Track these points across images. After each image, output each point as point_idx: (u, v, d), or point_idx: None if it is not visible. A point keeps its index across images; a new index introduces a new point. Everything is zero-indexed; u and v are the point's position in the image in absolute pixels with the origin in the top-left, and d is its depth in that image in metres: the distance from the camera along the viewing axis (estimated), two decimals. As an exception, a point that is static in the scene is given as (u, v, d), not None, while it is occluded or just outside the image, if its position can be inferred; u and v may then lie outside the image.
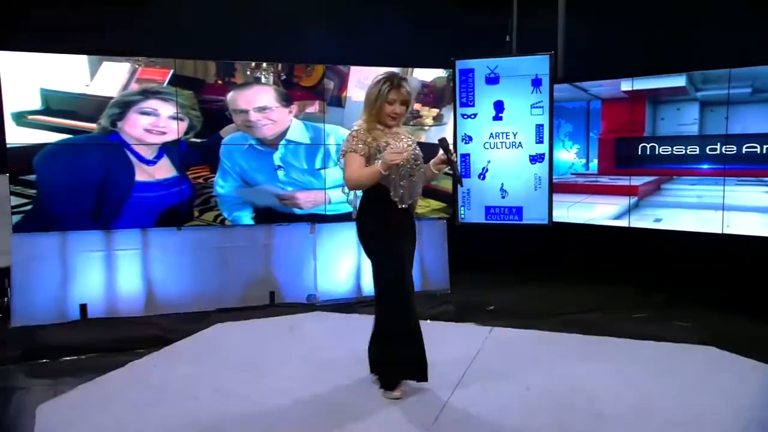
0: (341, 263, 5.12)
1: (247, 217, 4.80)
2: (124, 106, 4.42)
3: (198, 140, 4.61)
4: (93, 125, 4.37)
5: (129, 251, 4.61)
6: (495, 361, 3.52)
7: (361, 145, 2.85)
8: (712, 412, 2.83)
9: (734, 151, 4.28)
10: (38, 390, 3.21)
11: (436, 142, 2.96)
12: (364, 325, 4.22)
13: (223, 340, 3.96)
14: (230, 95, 4.66)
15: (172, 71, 4.51)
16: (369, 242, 3.02)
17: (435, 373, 3.08)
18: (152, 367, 3.49)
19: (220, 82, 4.64)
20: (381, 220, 2.94)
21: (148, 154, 4.51)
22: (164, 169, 4.56)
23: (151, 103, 4.48)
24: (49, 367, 3.66)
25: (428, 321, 4.27)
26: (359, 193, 3.06)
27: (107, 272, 4.56)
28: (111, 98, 4.38)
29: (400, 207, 2.93)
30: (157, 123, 4.50)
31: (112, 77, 4.38)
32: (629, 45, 4.64)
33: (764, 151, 4.16)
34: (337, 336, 3.99)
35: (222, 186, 4.71)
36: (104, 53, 4.36)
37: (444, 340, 3.83)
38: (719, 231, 4.35)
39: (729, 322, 4.16)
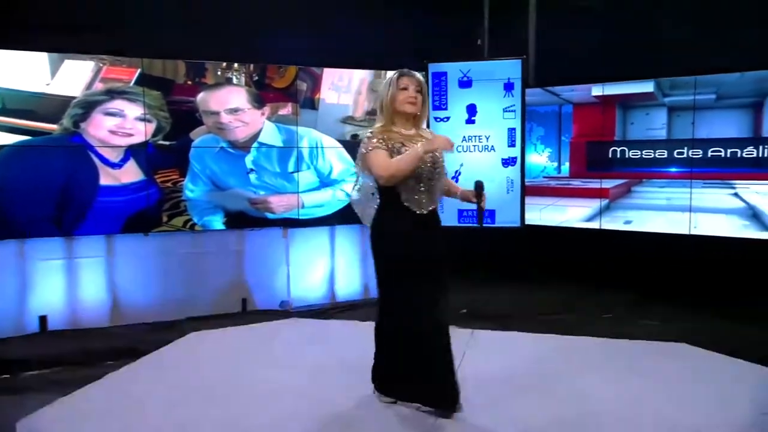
0: (315, 268, 5.04)
1: (218, 222, 4.65)
2: (88, 106, 4.21)
3: (167, 142, 4.43)
4: (54, 126, 4.14)
5: (92, 259, 4.39)
6: (482, 363, 3.51)
7: (381, 142, 2.69)
8: (696, 405, 2.94)
9: (700, 155, 4.44)
10: (6, 406, 3.01)
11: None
12: (343, 331, 4.20)
13: (202, 349, 3.82)
14: (200, 96, 4.51)
15: (139, 70, 4.32)
16: (382, 254, 2.78)
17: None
18: (133, 379, 3.33)
19: (190, 82, 4.48)
20: (403, 234, 2.73)
21: (114, 156, 4.31)
22: (131, 173, 4.36)
23: (117, 104, 4.28)
24: (10, 382, 3.42)
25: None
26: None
27: (69, 281, 4.33)
28: (74, 98, 4.16)
29: (418, 213, 2.75)
30: (123, 124, 4.31)
31: (74, 76, 4.17)
32: (600, 51, 4.75)
33: (728, 155, 4.34)
34: (318, 342, 3.92)
35: (192, 190, 4.55)
36: (66, 50, 4.14)
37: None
38: (687, 232, 4.50)
39: (697, 319, 4.30)
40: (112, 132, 4.28)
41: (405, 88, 2.75)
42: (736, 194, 4.33)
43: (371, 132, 2.77)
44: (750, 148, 4.24)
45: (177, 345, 3.90)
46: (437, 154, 2.79)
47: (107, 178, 4.28)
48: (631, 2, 4.61)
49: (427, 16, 4.96)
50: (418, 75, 2.83)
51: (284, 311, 4.80)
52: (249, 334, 4.15)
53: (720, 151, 4.36)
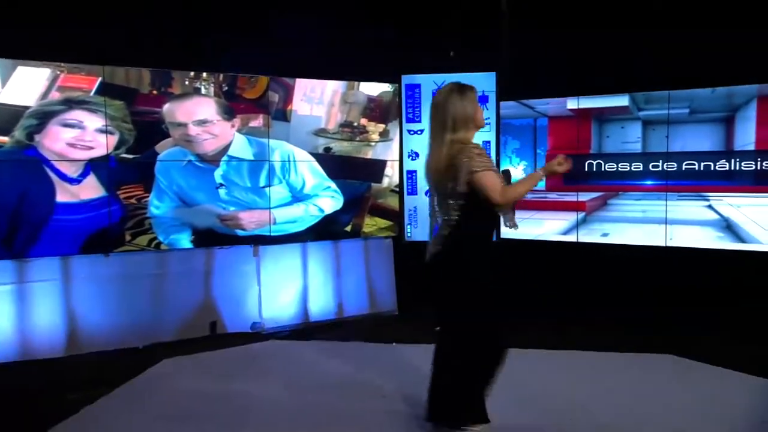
0: (287, 288, 4.81)
1: (185, 240, 4.38)
2: (44, 116, 3.89)
3: (130, 156, 4.15)
4: (5, 138, 3.81)
5: (47, 282, 4.03)
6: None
7: (489, 161, 2.50)
8: (693, 415, 2.97)
9: (675, 168, 4.51)
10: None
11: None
12: (323, 352, 4.02)
13: (180, 377, 3.55)
14: (167, 107, 4.25)
15: (100, 79, 4.04)
16: (469, 287, 2.63)
17: (424, 395, 2.91)
18: (112, 412, 3.08)
19: (155, 92, 4.22)
20: (486, 262, 2.63)
21: (72, 171, 3.99)
22: (91, 189, 4.05)
23: (76, 114, 3.97)
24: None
25: (393, 344, 4.16)
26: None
27: (20, 308, 3.96)
28: (27, 108, 3.85)
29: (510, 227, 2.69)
30: (83, 136, 4.00)
31: (28, 84, 3.85)
32: (575, 64, 4.79)
33: (702, 168, 4.42)
34: (300, 364, 3.76)
35: (157, 206, 4.27)
36: (20, 56, 3.82)
37: (417, 362, 3.67)
38: (663, 244, 4.55)
39: (676, 329, 4.34)
40: (71, 145, 3.97)
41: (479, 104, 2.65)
42: (710, 206, 4.42)
43: (474, 145, 2.53)
44: (723, 162, 4.34)
45: (151, 373, 3.63)
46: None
47: (64, 194, 3.96)
48: (605, 16, 4.66)
49: (400, 28, 4.89)
50: None
51: (256, 333, 4.56)
52: (226, 358, 3.92)
53: (694, 164, 4.44)
